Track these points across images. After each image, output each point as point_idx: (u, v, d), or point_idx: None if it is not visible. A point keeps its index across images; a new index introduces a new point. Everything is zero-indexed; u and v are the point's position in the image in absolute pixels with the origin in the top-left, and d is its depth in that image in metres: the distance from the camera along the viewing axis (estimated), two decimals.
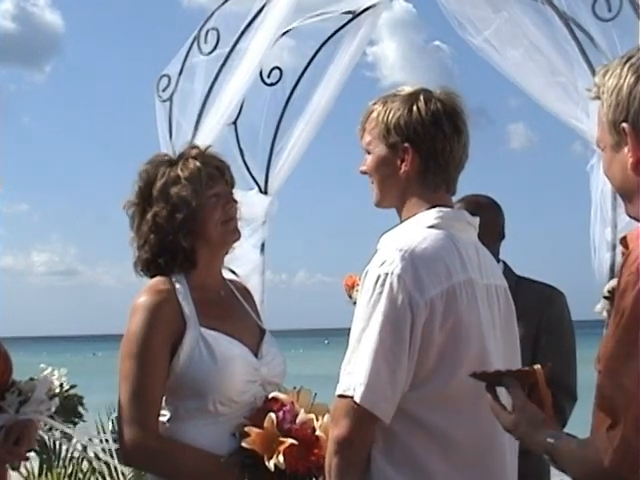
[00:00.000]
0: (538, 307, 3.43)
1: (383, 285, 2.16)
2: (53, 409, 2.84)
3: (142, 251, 2.66)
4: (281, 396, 2.59)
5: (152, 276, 2.66)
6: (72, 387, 3.07)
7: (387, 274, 2.17)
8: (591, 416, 1.70)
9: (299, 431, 2.50)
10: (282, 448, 2.46)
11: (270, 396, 2.60)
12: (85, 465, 5.83)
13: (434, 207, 2.31)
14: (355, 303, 2.28)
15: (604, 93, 1.74)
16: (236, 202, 2.71)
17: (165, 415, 2.60)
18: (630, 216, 1.80)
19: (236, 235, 2.70)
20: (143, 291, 2.61)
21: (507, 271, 3.50)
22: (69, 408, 2.99)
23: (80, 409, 3.08)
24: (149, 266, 2.67)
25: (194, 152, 2.71)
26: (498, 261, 3.51)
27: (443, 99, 2.34)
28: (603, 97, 1.75)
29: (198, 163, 2.66)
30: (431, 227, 2.28)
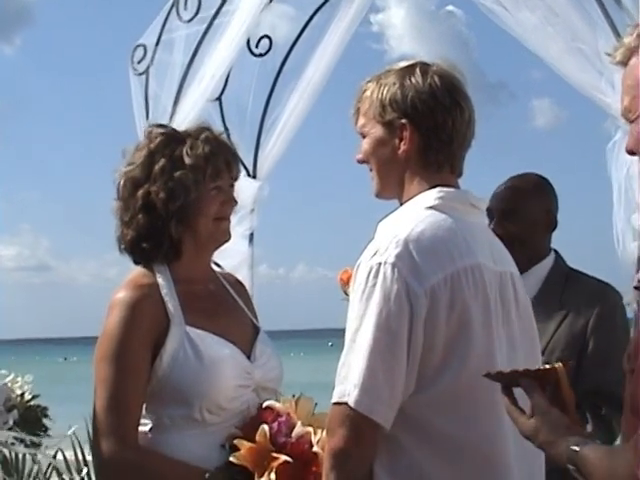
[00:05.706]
0: (587, 305, 3.33)
1: (376, 277, 2.17)
2: (11, 422, 2.83)
3: (128, 228, 2.66)
4: (277, 405, 2.56)
5: (134, 260, 2.69)
6: (35, 397, 3.04)
7: (380, 264, 2.17)
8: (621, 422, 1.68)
9: (295, 446, 2.47)
10: (275, 465, 2.43)
11: (264, 405, 2.59)
12: None
13: (435, 187, 2.32)
14: None
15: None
16: (235, 202, 2.74)
17: (146, 424, 2.59)
18: None
19: (226, 237, 2.73)
20: (122, 285, 2.63)
21: (558, 261, 3.46)
22: (31, 420, 2.96)
23: (45, 421, 3.06)
24: (132, 248, 2.68)
25: (204, 135, 2.69)
26: (549, 252, 3.46)
27: (442, 71, 2.36)
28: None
29: (207, 150, 2.66)
30: (430, 208, 2.28)
